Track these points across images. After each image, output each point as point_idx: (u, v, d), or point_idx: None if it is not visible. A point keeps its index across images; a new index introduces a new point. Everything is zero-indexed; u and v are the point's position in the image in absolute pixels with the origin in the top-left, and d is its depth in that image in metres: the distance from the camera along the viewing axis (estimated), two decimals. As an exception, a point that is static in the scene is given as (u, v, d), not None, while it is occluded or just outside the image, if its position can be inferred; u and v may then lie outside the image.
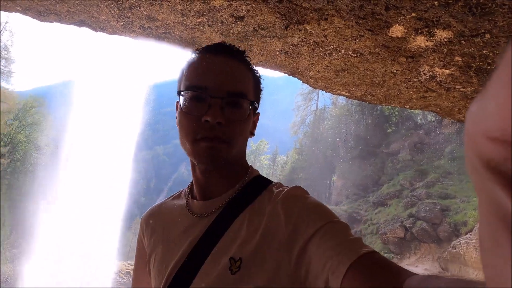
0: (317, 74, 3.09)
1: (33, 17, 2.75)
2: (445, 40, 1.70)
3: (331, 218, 0.61)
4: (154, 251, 0.74)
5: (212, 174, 0.69)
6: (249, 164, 0.77)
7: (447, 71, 2.18)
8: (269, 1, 1.79)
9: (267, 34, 2.46)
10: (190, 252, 0.65)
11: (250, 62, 0.73)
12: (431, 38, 1.73)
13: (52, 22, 2.83)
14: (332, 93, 3.64)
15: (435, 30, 1.65)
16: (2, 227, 24.36)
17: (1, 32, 27.72)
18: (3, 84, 28.77)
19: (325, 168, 23.84)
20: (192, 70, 0.68)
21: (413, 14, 1.69)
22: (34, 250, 25.31)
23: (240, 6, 2.09)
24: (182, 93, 0.67)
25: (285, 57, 2.82)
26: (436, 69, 2.22)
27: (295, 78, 3.37)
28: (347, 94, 3.53)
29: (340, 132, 22.66)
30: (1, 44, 27.64)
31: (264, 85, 0.77)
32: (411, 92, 3.10)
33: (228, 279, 0.58)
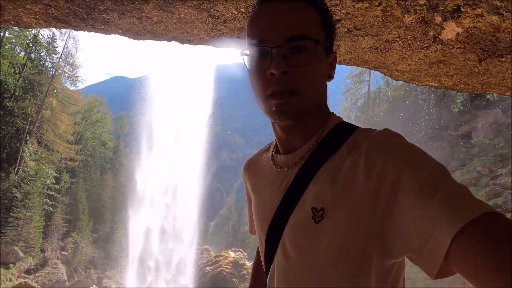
0: (406, 68, 2.93)
1: (129, 37, 2.98)
2: None
3: (427, 164, 0.51)
4: (252, 199, 0.80)
5: (291, 128, 0.68)
6: (331, 111, 0.72)
7: None
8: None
9: (361, 34, 2.37)
10: (279, 204, 0.66)
11: None
12: None
13: (146, 40, 3.04)
14: (417, 84, 3.43)
15: None
16: (82, 215, 27.80)
17: (66, 40, 30.58)
18: (71, 87, 31.94)
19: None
20: (250, 26, 0.66)
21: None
22: (110, 235, 28.38)
23: (340, 10, 2.05)
24: (244, 53, 0.65)
25: (374, 53, 2.71)
26: None
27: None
28: (435, 84, 3.29)
29: (397, 115, 21.06)
30: (67, 51, 30.50)
31: None
32: (519, 79, 2.79)
33: (313, 227, 0.59)
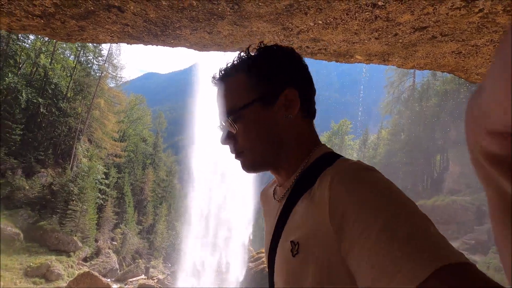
0: (489, 70, 2.71)
1: (196, 49, 3.06)
2: None
3: (391, 202, 0.48)
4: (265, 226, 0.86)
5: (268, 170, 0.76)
6: (321, 144, 0.74)
7: None
8: None
9: (446, 39, 2.22)
10: (272, 236, 0.71)
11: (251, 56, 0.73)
12: None
13: (211, 51, 3.11)
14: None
15: None
16: (129, 208, 29.77)
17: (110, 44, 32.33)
18: (114, 87, 33.84)
19: (430, 151, 21.04)
20: None
21: None
22: (153, 226, 29.91)
23: (430, 18, 1.93)
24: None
25: (454, 58, 2.53)
26: None
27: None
28: (520, 86, 3.01)
29: (448, 110, 19.40)
30: (111, 52, 32.30)
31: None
32: None
33: (290, 260, 0.62)
